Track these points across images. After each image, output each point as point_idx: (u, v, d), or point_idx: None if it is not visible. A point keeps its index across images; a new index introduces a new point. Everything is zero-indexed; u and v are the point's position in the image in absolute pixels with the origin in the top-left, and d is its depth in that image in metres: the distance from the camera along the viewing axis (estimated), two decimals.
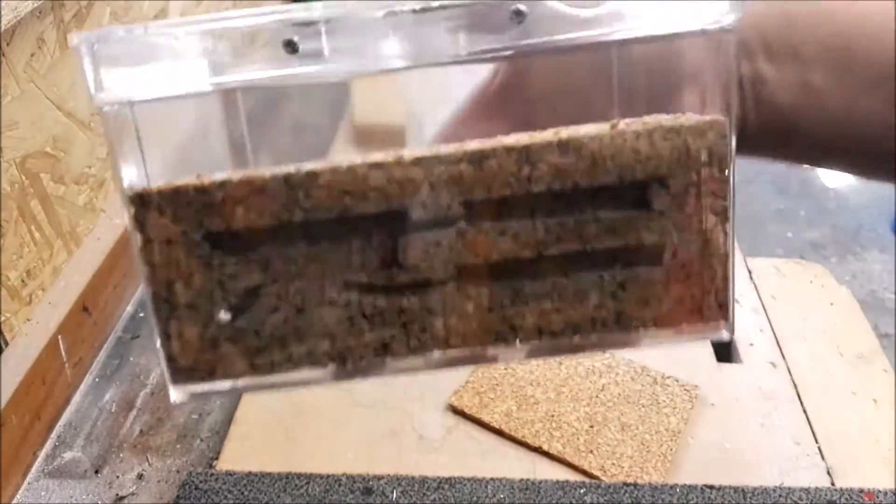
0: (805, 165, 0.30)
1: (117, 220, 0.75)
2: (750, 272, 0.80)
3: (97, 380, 0.68)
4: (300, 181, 0.20)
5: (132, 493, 0.58)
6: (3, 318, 0.60)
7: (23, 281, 0.62)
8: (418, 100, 0.85)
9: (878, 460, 0.60)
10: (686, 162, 0.21)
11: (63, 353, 0.64)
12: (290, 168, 0.21)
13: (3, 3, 0.53)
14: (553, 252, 0.21)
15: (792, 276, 0.80)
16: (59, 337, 0.63)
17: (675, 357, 0.69)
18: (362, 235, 0.21)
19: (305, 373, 0.22)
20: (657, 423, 0.61)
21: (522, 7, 0.20)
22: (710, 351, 0.70)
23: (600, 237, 0.21)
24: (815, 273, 0.80)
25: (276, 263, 0.21)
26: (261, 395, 0.65)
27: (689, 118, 0.21)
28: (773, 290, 0.77)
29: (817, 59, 0.26)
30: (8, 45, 0.57)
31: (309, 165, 0.20)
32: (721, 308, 0.22)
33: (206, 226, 0.21)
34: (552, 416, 0.61)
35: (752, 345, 0.71)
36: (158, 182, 0.21)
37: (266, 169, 0.21)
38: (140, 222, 0.21)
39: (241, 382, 0.22)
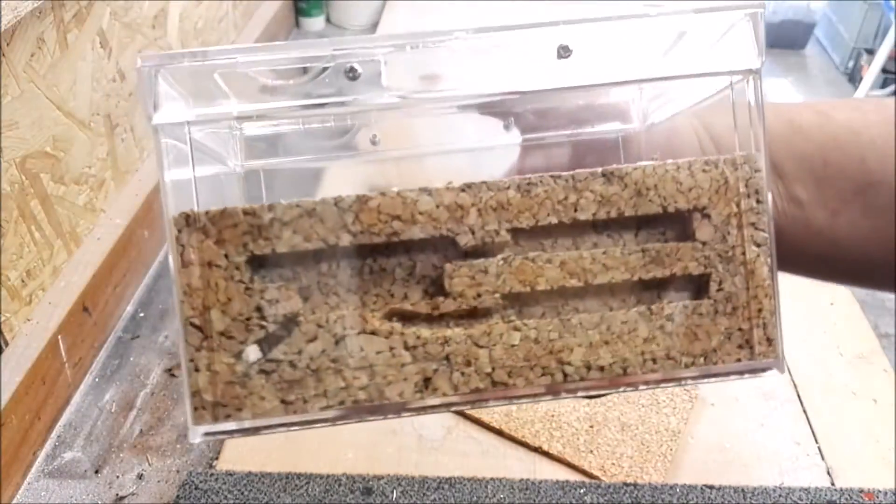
0: (803, 276, 0.31)
1: (117, 220, 0.75)
2: None
3: (97, 380, 0.68)
4: (350, 204, 0.20)
5: (132, 493, 0.58)
6: (3, 318, 0.60)
7: (23, 281, 0.62)
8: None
9: (878, 460, 0.60)
10: (725, 192, 0.21)
11: (63, 353, 0.64)
12: (340, 194, 0.20)
13: (3, 3, 0.53)
14: (600, 281, 0.21)
15: (792, 276, 0.80)
16: (59, 337, 0.63)
17: None
18: (408, 263, 0.21)
19: (338, 411, 0.21)
20: (657, 423, 0.61)
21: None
22: None
23: (646, 267, 0.21)
24: None
25: (317, 290, 0.21)
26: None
27: (725, 155, 0.22)
28: None
29: (797, 174, 0.27)
30: (8, 45, 0.57)
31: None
32: (770, 343, 0.22)
33: (251, 248, 0.20)
34: (552, 416, 0.61)
35: None
36: (205, 205, 0.21)
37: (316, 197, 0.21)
38: (183, 244, 0.20)
39: (268, 421, 0.21)
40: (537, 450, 0.60)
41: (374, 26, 1.45)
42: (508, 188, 0.21)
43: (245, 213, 0.20)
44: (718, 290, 0.21)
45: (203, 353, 0.20)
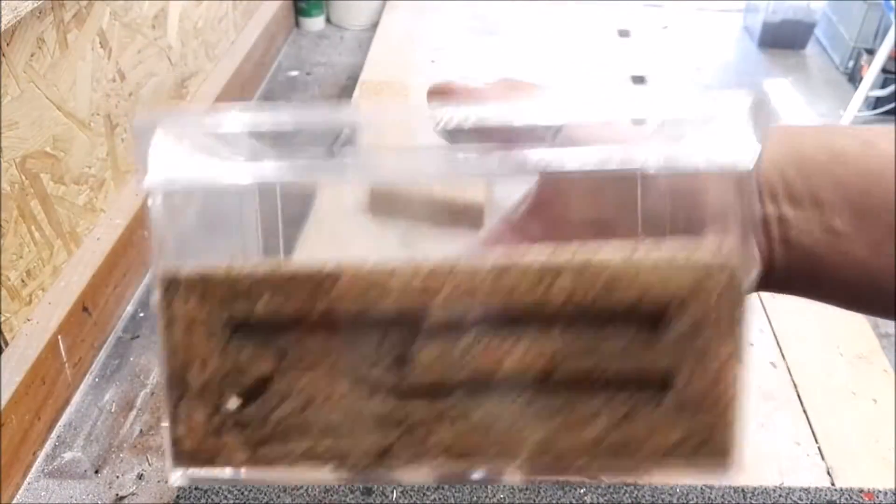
0: (841, 308, 0.30)
1: (117, 220, 0.75)
2: None
3: (97, 380, 0.68)
4: (325, 277, 0.21)
5: (132, 493, 0.58)
6: (3, 318, 0.60)
7: (23, 281, 0.62)
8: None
9: (878, 460, 0.60)
10: (696, 299, 0.21)
11: (63, 353, 0.64)
12: (317, 262, 0.21)
13: (3, 3, 0.53)
14: (565, 368, 0.21)
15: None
16: (59, 337, 0.63)
17: None
18: (379, 334, 0.21)
19: (303, 471, 0.22)
20: None
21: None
22: None
23: (612, 358, 0.21)
24: None
25: (291, 354, 0.21)
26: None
27: (703, 256, 0.21)
28: None
29: (836, 203, 0.25)
30: (8, 45, 0.57)
31: (336, 260, 0.21)
32: (726, 450, 0.21)
33: (230, 311, 0.21)
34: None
35: (752, 345, 0.71)
36: (189, 266, 0.21)
37: (295, 261, 0.21)
38: (167, 302, 0.22)
39: (240, 473, 0.22)
40: None
41: (374, 26, 1.45)
42: (481, 272, 0.21)
43: (227, 277, 0.21)
44: (683, 389, 0.21)
45: (183, 404, 0.22)
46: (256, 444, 0.22)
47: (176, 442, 0.22)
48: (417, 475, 0.22)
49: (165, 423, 0.22)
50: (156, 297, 0.22)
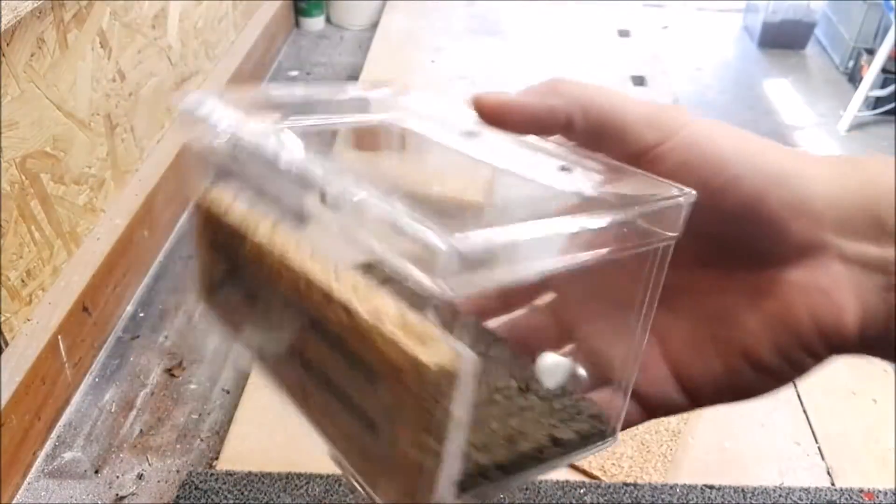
0: None
1: (117, 220, 0.75)
2: None
3: (97, 380, 0.68)
4: (239, 232, 0.25)
5: (132, 493, 0.58)
6: (3, 318, 0.60)
7: (23, 281, 0.62)
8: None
9: (878, 460, 0.60)
10: (408, 385, 0.20)
11: (63, 353, 0.64)
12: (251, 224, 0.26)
13: (3, 3, 0.53)
14: (315, 375, 0.24)
15: None
16: (59, 337, 0.63)
17: None
18: (270, 281, 0.25)
19: (244, 343, 0.27)
20: (657, 423, 0.61)
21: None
22: None
23: (347, 384, 0.23)
24: None
25: (238, 266, 0.26)
26: (261, 391, 0.65)
27: (432, 351, 0.20)
28: None
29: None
30: (8, 45, 0.57)
31: (260, 231, 0.25)
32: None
33: (209, 231, 0.27)
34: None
35: None
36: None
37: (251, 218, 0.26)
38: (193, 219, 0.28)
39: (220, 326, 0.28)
40: None
41: (374, 26, 1.45)
42: (301, 277, 0.24)
43: (208, 210, 0.27)
44: (380, 444, 0.22)
45: (200, 265, 0.28)
46: (229, 311, 0.28)
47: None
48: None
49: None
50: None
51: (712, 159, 0.23)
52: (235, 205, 0.27)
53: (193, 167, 0.27)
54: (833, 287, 0.22)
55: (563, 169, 0.26)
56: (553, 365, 0.24)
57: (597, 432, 0.23)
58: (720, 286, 0.24)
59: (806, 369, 0.23)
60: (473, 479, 0.23)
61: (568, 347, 0.26)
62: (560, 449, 0.23)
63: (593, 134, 0.25)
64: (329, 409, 0.24)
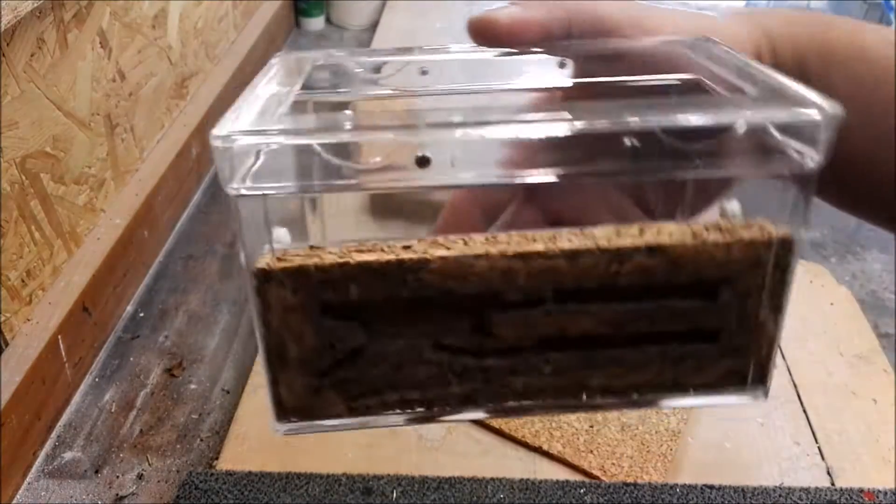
0: (847, 213, 0.30)
1: (117, 220, 0.75)
2: None
3: (97, 380, 0.68)
4: (412, 266, 0.23)
5: (132, 493, 0.58)
6: (3, 318, 0.60)
7: (23, 281, 0.62)
8: None
9: (878, 460, 0.60)
10: (755, 270, 0.23)
11: (63, 353, 0.64)
12: (403, 252, 0.23)
13: (3, 3, 0.53)
14: (626, 331, 0.24)
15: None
16: (59, 337, 0.63)
17: None
18: (459, 307, 0.24)
19: (395, 417, 0.25)
20: (657, 423, 0.61)
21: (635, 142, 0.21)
22: None
23: (668, 321, 0.24)
24: (815, 273, 0.80)
25: (379, 329, 0.24)
26: (261, 391, 0.64)
27: (762, 231, 0.23)
28: None
29: (848, 96, 0.25)
30: (8, 45, 0.57)
31: (419, 249, 0.23)
32: (762, 378, 0.24)
33: (323, 298, 0.23)
34: (552, 416, 0.61)
35: None
36: (279, 255, 0.23)
37: (381, 249, 0.23)
38: (262, 294, 0.23)
39: (337, 422, 0.25)
40: (537, 450, 0.60)
41: (373, 26, 1.45)
42: (558, 257, 0.23)
43: (317, 268, 0.23)
44: (728, 340, 0.24)
45: (283, 374, 0.24)
46: (353, 399, 0.24)
47: (279, 402, 0.24)
48: (493, 415, 0.25)
49: (266, 386, 0.24)
50: (249, 286, 0.23)
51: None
52: (346, 245, 0.23)
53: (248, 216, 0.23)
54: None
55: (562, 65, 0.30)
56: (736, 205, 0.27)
57: None
58: None
59: None
60: None
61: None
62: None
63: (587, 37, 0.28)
64: (628, 366, 0.24)
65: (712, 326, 0.24)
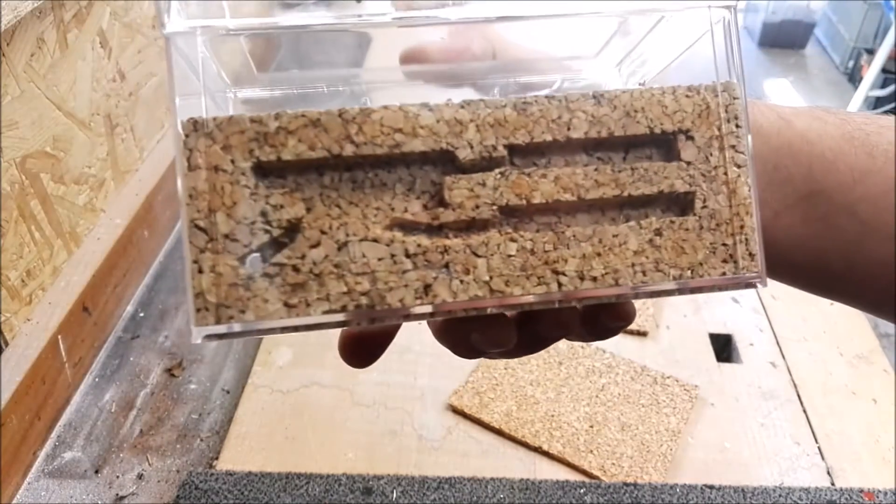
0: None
1: (117, 220, 0.75)
2: None
3: (97, 380, 0.68)
4: (354, 116, 0.21)
5: (132, 493, 0.58)
6: (3, 318, 0.60)
7: (23, 281, 0.62)
8: None
9: (878, 460, 0.60)
10: (707, 117, 0.23)
11: (63, 353, 0.64)
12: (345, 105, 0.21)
13: (3, 3, 0.53)
14: (592, 196, 0.23)
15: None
16: (59, 337, 0.63)
17: (675, 357, 0.69)
18: (408, 177, 0.22)
19: (340, 315, 0.21)
20: (657, 423, 0.61)
21: None
22: (710, 351, 0.70)
23: (635, 184, 0.23)
24: None
25: (320, 200, 0.21)
26: (261, 391, 0.65)
27: (704, 84, 0.23)
28: (774, 290, 0.77)
29: (759, 171, 0.28)
30: (8, 45, 0.57)
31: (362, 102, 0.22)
32: (752, 257, 0.23)
33: (257, 155, 0.21)
34: (552, 416, 0.61)
35: (752, 345, 0.71)
36: (212, 110, 0.21)
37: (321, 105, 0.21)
38: (190, 148, 0.21)
39: (270, 323, 0.21)
40: (537, 450, 0.60)
41: None
42: (505, 106, 0.22)
43: (252, 120, 0.21)
44: (703, 208, 0.23)
45: (207, 254, 0.21)
46: (290, 292, 0.21)
47: (199, 295, 0.20)
48: (456, 311, 0.22)
49: (186, 278, 0.20)
50: (176, 142, 0.21)
51: None
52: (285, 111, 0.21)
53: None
54: None
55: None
56: None
57: None
58: None
59: None
60: None
61: None
62: None
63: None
64: (602, 245, 0.23)
65: (681, 188, 0.23)
